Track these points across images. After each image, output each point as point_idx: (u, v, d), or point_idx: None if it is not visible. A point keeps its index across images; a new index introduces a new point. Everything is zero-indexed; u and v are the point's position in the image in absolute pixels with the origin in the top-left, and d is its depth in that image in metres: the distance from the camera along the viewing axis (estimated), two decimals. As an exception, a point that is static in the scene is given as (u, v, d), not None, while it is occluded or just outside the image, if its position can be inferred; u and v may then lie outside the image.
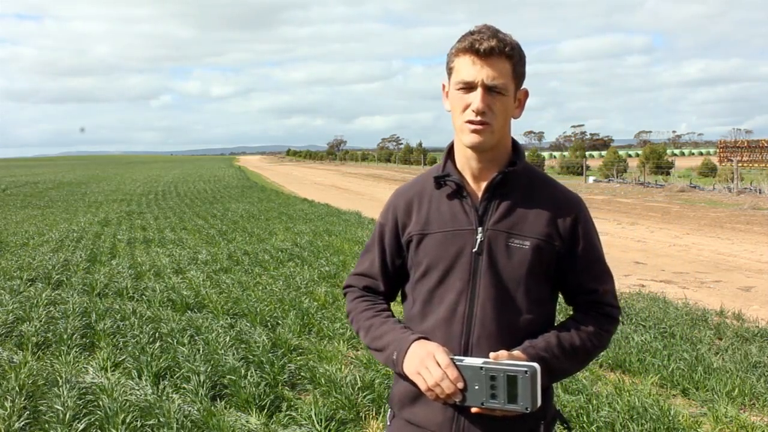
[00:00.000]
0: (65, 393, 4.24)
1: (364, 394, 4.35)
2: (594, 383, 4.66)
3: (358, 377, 4.57)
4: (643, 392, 4.43)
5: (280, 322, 6.29)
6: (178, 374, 4.80)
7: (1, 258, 10.61)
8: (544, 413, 1.67)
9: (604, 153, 62.33)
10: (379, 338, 1.73)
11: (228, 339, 5.54)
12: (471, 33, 1.63)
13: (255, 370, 4.79)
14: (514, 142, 1.76)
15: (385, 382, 4.54)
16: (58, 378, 4.62)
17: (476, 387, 1.52)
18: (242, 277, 8.56)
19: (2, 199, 26.38)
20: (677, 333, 5.82)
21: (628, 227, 14.95)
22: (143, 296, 7.48)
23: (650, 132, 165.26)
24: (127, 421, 3.87)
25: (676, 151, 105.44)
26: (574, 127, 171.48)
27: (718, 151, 38.02)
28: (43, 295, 7.37)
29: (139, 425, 3.90)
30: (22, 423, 3.97)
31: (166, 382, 4.69)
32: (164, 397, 4.33)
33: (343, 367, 4.97)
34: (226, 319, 6.41)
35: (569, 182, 33.39)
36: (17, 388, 4.42)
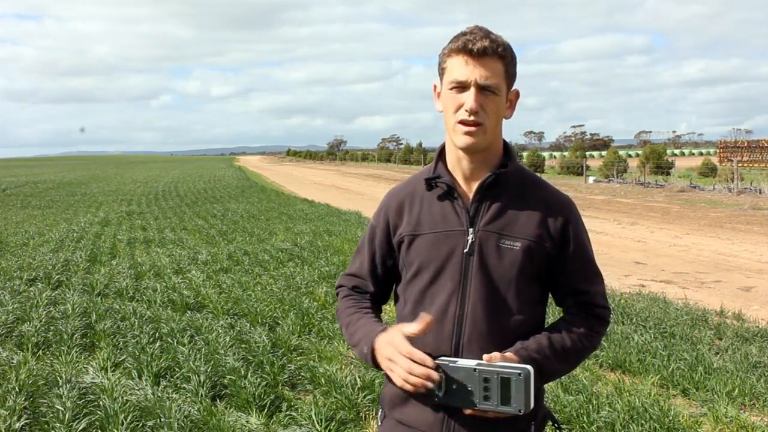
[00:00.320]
0: (65, 393, 4.24)
1: (364, 394, 4.35)
2: (594, 383, 4.66)
3: (358, 377, 4.57)
4: (643, 392, 4.43)
5: (280, 322, 6.29)
6: (178, 374, 4.80)
7: (1, 258, 10.62)
8: (535, 414, 1.68)
9: (604, 153, 62.34)
10: (354, 334, 1.76)
11: (228, 339, 5.55)
12: (463, 34, 1.64)
13: (255, 370, 4.79)
14: (506, 144, 1.76)
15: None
16: (58, 378, 4.62)
17: (469, 388, 1.52)
18: (242, 277, 8.56)
19: (2, 199, 26.38)
20: (677, 333, 5.82)
21: (628, 227, 14.95)
22: (143, 296, 7.48)
23: (650, 132, 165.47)
24: (127, 421, 3.87)
25: (676, 151, 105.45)
26: (574, 127, 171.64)
27: (718, 151, 38.03)
28: (43, 295, 7.37)
29: (139, 425, 3.90)
30: (22, 423, 3.97)
31: (166, 382, 4.69)
32: (164, 397, 4.33)
33: (343, 367, 4.97)
34: (226, 319, 6.42)
35: (569, 182, 33.40)
36: (17, 388, 4.42)
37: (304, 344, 5.66)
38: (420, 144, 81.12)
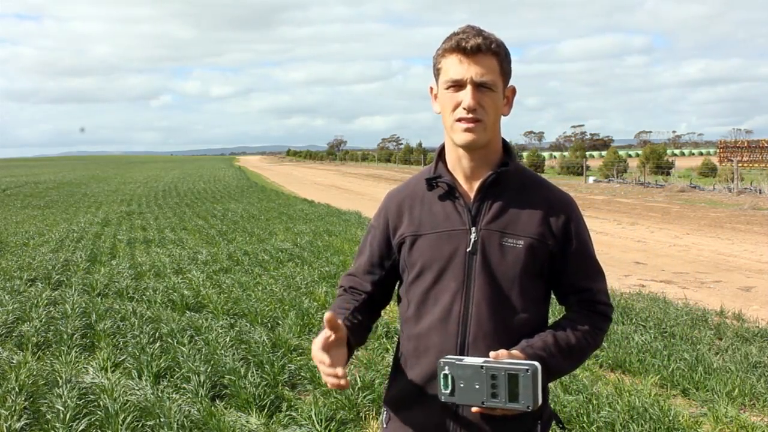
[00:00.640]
0: (65, 393, 4.24)
1: (364, 394, 4.35)
2: (594, 383, 4.66)
3: (358, 377, 4.57)
4: (643, 392, 4.43)
5: (280, 322, 6.29)
6: (178, 374, 4.80)
7: (1, 258, 10.62)
8: (541, 413, 1.68)
9: (604, 153, 62.33)
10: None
11: (228, 339, 5.55)
12: (455, 33, 1.65)
13: (255, 370, 4.79)
14: (505, 143, 1.76)
15: (386, 382, 4.53)
16: (58, 378, 4.62)
17: (476, 386, 1.51)
18: (242, 278, 8.56)
19: (2, 199, 26.38)
20: (677, 333, 5.82)
21: (628, 227, 14.95)
22: (143, 296, 7.48)
23: (650, 132, 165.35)
24: (127, 421, 3.87)
25: (676, 151, 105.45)
26: (574, 127, 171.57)
27: (718, 151, 38.02)
28: (43, 295, 7.37)
29: (139, 425, 3.90)
30: (22, 423, 3.97)
31: (166, 382, 4.69)
32: (164, 397, 4.33)
33: (343, 367, 4.97)
34: (226, 319, 6.41)
35: (569, 182, 33.39)
36: (17, 388, 4.42)
37: (304, 344, 5.66)
38: (420, 144, 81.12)
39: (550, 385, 1.88)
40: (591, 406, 4.14)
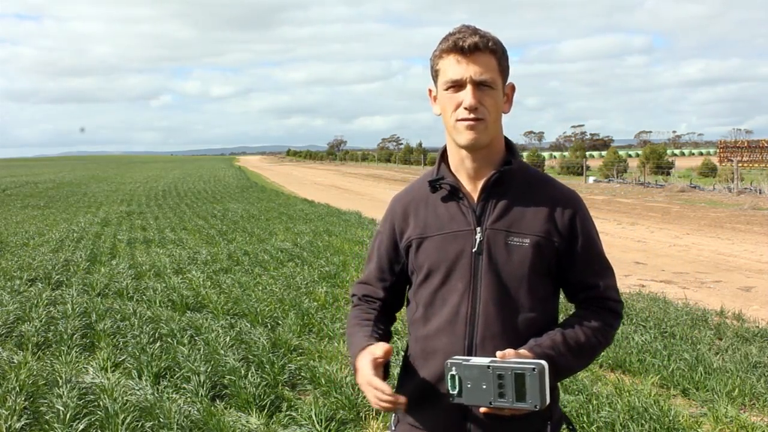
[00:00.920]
0: (65, 393, 4.24)
1: (365, 394, 4.35)
2: (594, 383, 4.66)
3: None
4: (643, 392, 4.43)
5: (280, 322, 6.29)
6: (178, 374, 4.80)
7: (1, 258, 10.62)
8: (551, 413, 1.67)
9: (604, 153, 62.32)
10: (350, 348, 1.78)
11: (228, 339, 5.55)
12: (451, 34, 1.64)
13: (255, 370, 4.79)
14: (508, 141, 1.75)
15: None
16: (58, 378, 4.62)
17: (483, 386, 1.50)
18: (242, 278, 8.56)
19: (2, 199, 26.38)
20: (677, 333, 5.82)
21: (628, 227, 14.95)
22: (143, 296, 7.48)
23: (650, 132, 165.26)
24: (127, 421, 3.87)
25: (676, 151, 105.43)
26: (574, 127, 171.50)
27: (718, 151, 38.02)
28: (43, 295, 7.37)
29: (139, 425, 3.90)
30: (22, 423, 3.97)
31: (166, 382, 4.69)
32: (164, 398, 4.33)
33: (343, 367, 4.97)
34: (227, 319, 6.41)
35: (569, 182, 33.36)
36: (17, 388, 4.42)
37: (304, 344, 5.66)
38: (420, 144, 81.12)
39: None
40: (591, 406, 4.14)
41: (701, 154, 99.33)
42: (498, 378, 1.49)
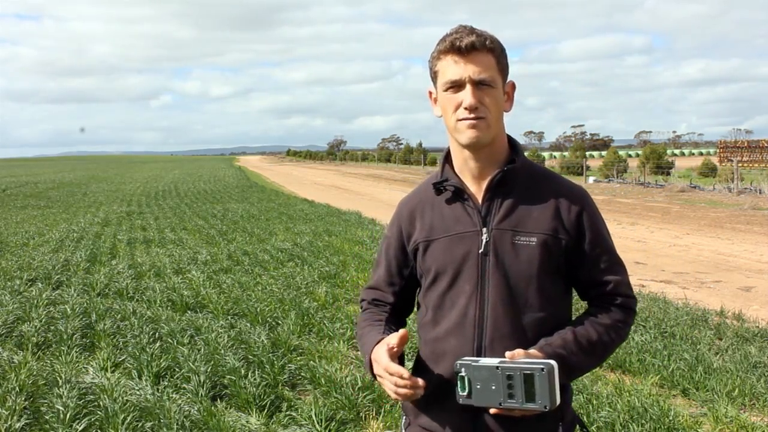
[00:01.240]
0: (65, 393, 4.24)
1: (365, 394, 4.35)
2: (594, 383, 4.66)
3: (358, 377, 4.57)
4: (643, 392, 4.43)
5: (280, 322, 6.29)
6: (178, 374, 4.80)
7: (1, 258, 10.62)
8: (562, 414, 1.65)
9: (604, 153, 62.31)
10: (362, 348, 1.76)
11: (228, 339, 5.55)
12: (448, 34, 1.63)
13: (255, 371, 4.79)
14: (512, 140, 1.74)
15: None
16: (58, 378, 4.62)
17: (493, 387, 1.49)
18: (242, 278, 8.56)
19: (2, 199, 26.38)
20: (677, 333, 5.82)
21: (628, 227, 14.95)
22: (143, 296, 7.48)
23: (650, 132, 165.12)
24: (127, 421, 3.87)
25: (676, 151, 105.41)
26: (574, 127, 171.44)
27: (718, 151, 38.04)
28: (43, 295, 7.37)
29: (139, 425, 3.90)
30: (22, 423, 3.97)
31: (166, 382, 4.69)
32: (164, 398, 4.33)
33: (343, 367, 4.97)
34: (227, 319, 6.41)
35: (569, 182, 33.35)
36: (17, 388, 4.42)
37: (304, 344, 5.66)
38: (420, 144, 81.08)
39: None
40: (591, 406, 4.14)
41: (701, 154, 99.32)
42: (507, 378, 1.47)
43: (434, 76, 1.68)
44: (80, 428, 3.84)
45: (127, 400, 4.20)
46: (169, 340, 5.61)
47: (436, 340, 1.70)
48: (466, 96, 1.60)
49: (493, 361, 1.51)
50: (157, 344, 5.47)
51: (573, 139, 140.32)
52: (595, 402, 4.21)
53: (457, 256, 1.67)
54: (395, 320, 1.82)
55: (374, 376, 1.66)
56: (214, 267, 9.44)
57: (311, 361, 5.15)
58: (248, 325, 6.17)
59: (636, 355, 5.19)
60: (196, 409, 4.16)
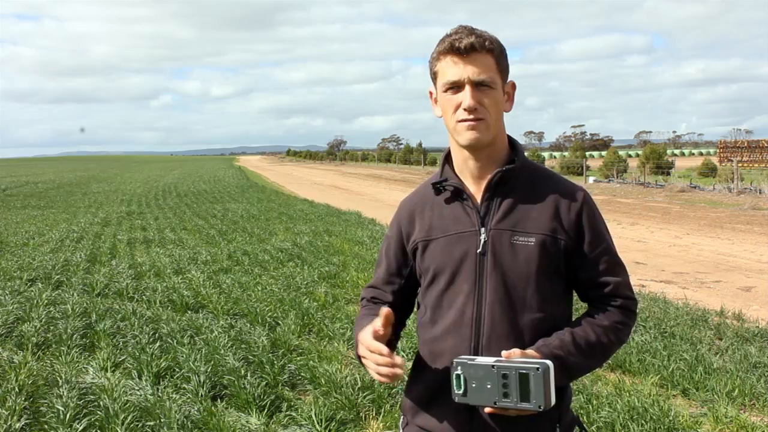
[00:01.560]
0: (65, 393, 4.24)
1: (365, 394, 4.35)
2: (594, 383, 4.66)
3: (358, 377, 4.57)
4: (643, 392, 4.43)
5: (280, 322, 6.29)
6: (178, 374, 4.80)
7: (1, 258, 10.61)
8: (560, 415, 1.64)
9: (604, 153, 62.32)
10: (355, 336, 1.77)
11: (228, 339, 5.55)
12: (448, 35, 1.63)
13: (255, 371, 4.79)
14: (512, 140, 1.74)
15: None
16: (58, 378, 4.62)
17: (488, 386, 1.49)
18: (242, 278, 8.56)
19: (2, 199, 26.38)
20: (677, 333, 5.82)
21: (628, 227, 14.95)
22: (143, 296, 7.48)
23: (650, 132, 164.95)
24: (127, 421, 3.87)
25: (677, 152, 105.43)
26: (574, 127, 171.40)
27: (718, 151, 38.08)
28: (43, 296, 7.37)
29: (139, 425, 3.90)
30: (22, 423, 3.97)
31: (166, 383, 4.69)
32: (164, 398, 4.33)
33: (343, 367, 4.97)
34: (226, 319, 6.42)
35: (569, 182, 33.35)
36: (17, 388, 4.42)
37: (304, 344, 5.66)
38: (420, 144, 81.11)
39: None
40: (591, 406, 4.14)
41: (701, 154, 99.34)
42: (502, 378, 1.47)
43: (434, 76, 1.68)
44: (80, 428, 3.84)
45: (127, 400, 4.20)
46: (169, 340, 5.61)
47: (434, 339, 1.70)
48: (466, 97, 1.60)
49: (489, 360, 1.51)
50: (157, 344, 5.47)
51: (573, 139, 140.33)
52: (595, 402, 4.21)
53: (455, 255, 1.67)
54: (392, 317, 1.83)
55: (359, 358, 1.66)
56: (214, 267, 9.44)
57: (311, 362, 5.15)
58: (248, 325, 6.17)
59: (636, 355, 5.19)
60: (196, 409, 4.16)
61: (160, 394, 4.41)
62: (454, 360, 1.55)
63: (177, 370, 4.89)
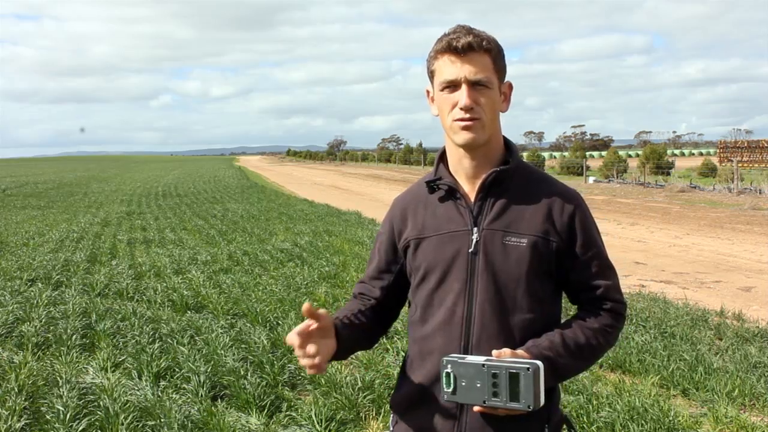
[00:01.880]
0: (65, 393, 4.24)
1: (365, 394, 4.35)
2: (594, 383, 4.66)
3: (358, 377, 4.57)
4: (643, 392, 4.43)
5: (280, 322, 6.29)
6: (178, 374, 4.80)
7: (2, 258, 10.61)
8: (548, 415, 1.65)
9: (604, 153, 62.34)
10: None
11: (228, 339, 5.55)
12: (446, 34, 1.64)
13: (255, 371, 4.79)
14: (507, 141, 1.75)
15: (386, 382, 4.54)
16: (58, 378, 4.62)
17: (478, 385, 1.49)
18: (242, 278, 8.56)
19: (2, 199, 26.37)
20: (677, 333, 5.82)
21: (628, 227, 14.95)
22: (143, 296, 7.48)
23: (650, 132, 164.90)
24: (127, 421, 3.87)
25: (677, 152, 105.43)
26: (574, 127, 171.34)
27: (718, 151, 38.09)
28: (43, 296, 7.37)
29: (139, 425, 3.90)
30: (22, 423, 3.97)
31: (166, 383, 4.69)
32: (164, 398, 4.33)
33: (343, 367, 4.97)
34: (227, 319, 6.42)
35: (569, 182, 33.36)
36: (17, 388, 4.42)
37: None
38: (420, 144, 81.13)
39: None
40: (591, 406, 4.14)
41: (701, 154, 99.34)
42: (492, 377, 1.48)
43: (431, 75, 1.69)
44: (80, 428, 3.84)
45: (127, 400, 4.20)
46: (169, 340, 5.61)
47: (424, 338, 1.70)
48: (462, 96, 1.60)
49: (479, 359, 1.51)
50: (157, 344, 5.47)
51: (573, 139, 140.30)
52: (595, 402, 4.21)
53: (446, 254, 1.67)
54: (374, 314, 1.81)
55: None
56: (214, 267, 9.44)
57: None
58: (248, 325, 6.16)
59: (636, 355, 5.19)
60: (196, 409, 4.16)
61: (160, 394, 4.41)
62: (444, 358, 1.55)
63: (177, 370, 4.89)
